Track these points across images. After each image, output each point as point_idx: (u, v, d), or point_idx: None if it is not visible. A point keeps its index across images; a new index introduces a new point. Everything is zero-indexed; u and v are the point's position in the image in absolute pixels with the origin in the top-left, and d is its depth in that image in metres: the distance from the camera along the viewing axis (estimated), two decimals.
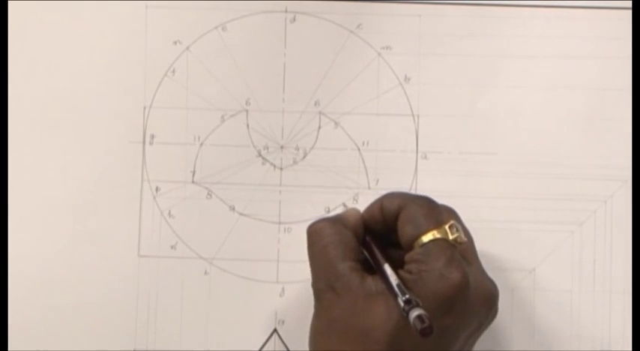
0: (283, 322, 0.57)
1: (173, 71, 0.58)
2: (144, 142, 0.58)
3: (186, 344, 0.58)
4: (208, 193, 0.58)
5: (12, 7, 0.58)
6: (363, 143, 0.58)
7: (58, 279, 0.58)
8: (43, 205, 0.59)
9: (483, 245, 0.58)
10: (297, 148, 0.58)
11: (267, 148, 0.58)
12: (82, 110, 0.59)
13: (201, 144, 0.58)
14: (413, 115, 0.58)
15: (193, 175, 0.58)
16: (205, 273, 0.58)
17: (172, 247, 0.58)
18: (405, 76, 0.58)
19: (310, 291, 0.55)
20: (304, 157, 0.58)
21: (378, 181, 0.58)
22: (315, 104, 0.58)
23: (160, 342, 0.58)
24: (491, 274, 0.54)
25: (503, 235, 0.57)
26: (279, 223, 0.58)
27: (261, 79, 0.58)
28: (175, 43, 0.58)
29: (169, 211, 0.58)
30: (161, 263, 0.58)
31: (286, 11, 0.58)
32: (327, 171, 0.58)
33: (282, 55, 0.58)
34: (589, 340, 0.57)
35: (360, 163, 0.58)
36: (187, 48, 0.58)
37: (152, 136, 0.58)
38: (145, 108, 0.58)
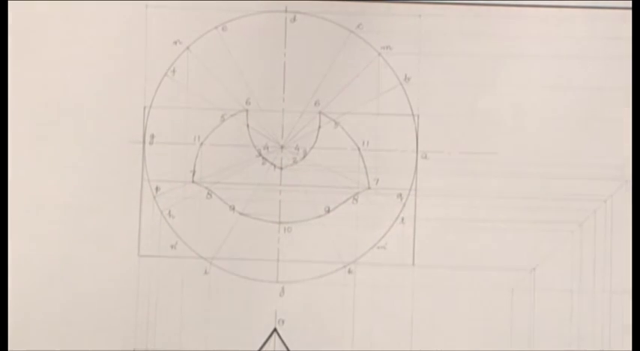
0: (283, 321, 0.57)
1: (173, 71, 0.58)
2: (144, 142, 0.58)
3: (186, 344, 0.58)
4: (208, 193, 0.58)
5: (12, 8, 0.59)
6: (363, 143, 0.58)
7: (57, 279, 0.58)
8: (43, 205, 0.59)
9: (483, 245, 0.58)
10: (297, 148, 0.58)
11: (267, 147, 0.58)
12: (82, 110, 0.59)
13: (201, 144, 0.58)
14: (413, 115, 0.58)
15: (193, 175, 0.59)
16: (205, 273, 0.58)
17: (172, 246, 0.58)
18: (405, 75, 0.58)
19: (310, 290, 0.55)
20: (304, 156, 0.58)
21: (378, 180, 0.58)
22: (315, 104, 0.58)
23: (159, 342, 0.58)
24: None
25: (503, 235, 0.58)
26: (279, 222, 0.58)
27: (261, 78, 0.59)
28: (175, 43, 0.59)
29: (169, 211, 0.58)
30: (161, 263, 0.58)
31: (286, 11, 0.58)
32: (327, 170, 0.58)
33: (282, 55, 0.58)
34: (589, 340, 0.57)
35: (360, 163, 0.58)
36: (187, 48, 0.58)
37: (152, 136, 0.58)
38: (145, 108, 0.58)
